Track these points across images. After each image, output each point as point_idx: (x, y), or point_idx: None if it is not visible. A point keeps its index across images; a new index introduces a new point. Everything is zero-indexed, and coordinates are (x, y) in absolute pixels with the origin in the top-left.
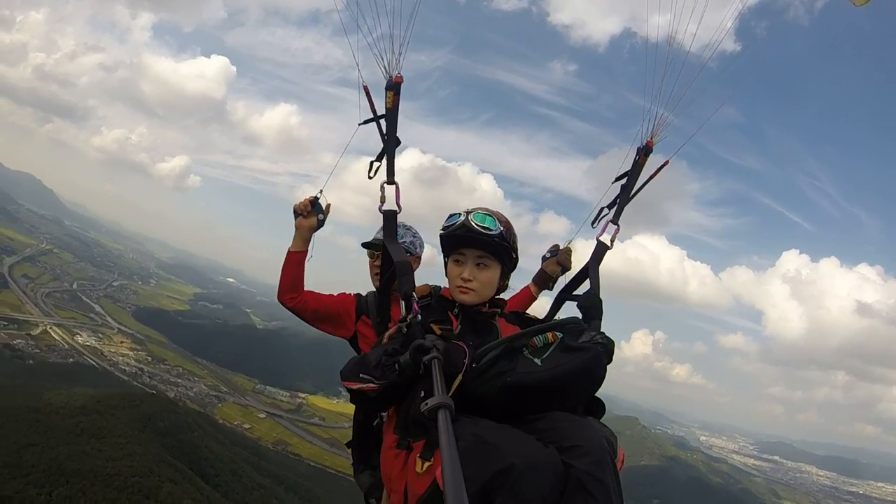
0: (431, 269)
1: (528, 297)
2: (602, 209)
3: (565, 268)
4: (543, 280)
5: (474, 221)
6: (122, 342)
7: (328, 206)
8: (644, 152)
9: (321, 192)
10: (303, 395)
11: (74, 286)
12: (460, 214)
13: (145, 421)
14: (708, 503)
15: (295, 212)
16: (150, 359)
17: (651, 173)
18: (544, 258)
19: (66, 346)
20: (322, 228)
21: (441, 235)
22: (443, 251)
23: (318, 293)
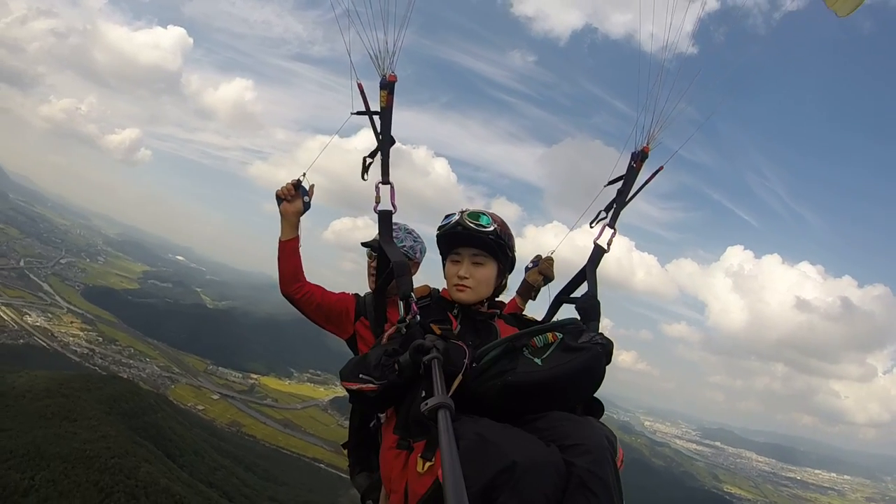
0: (431, 270)
1: (514, 309)
2: (599, 212)
3: (548, 278)
4: (527, 290)
5: (468, 220)
6: (72, 322)
7: (312, 186)
8: (640, 158)
9: (304, 174)
10: (255, 376)
11: (21, 263)
12: (455, 214)
13: (111, 403)
14: (651, 485)
15: (278, 197)
16: (101, 339)
17: (646, 178)
18: (527, 268)
19: (16, 327)
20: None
21: (437, 236)
22: (440, 252)
23: (324, 288)
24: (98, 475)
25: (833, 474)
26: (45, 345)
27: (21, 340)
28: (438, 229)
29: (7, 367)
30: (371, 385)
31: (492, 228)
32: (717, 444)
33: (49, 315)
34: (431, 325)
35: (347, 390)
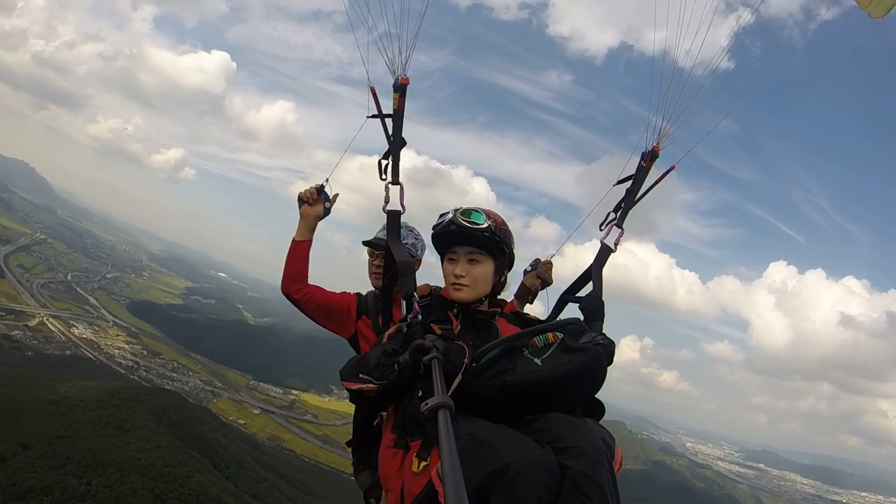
0: (431, 271)
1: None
2: (608, 213)
3: (546, 281)
4: (524, 294)
5: (462, 218)
6: (117, 335)
7: (336, 195)
8: (650, 157)
9: (327, 180)
10: (295, 392)
11: (69, 277)
12: (449, 213)
13: (160, 414)
14: None
15: (300, 199)
16: (145, 353)
17: (656, 179)
18: (525, 272)
19: (63, 338)
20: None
21: (432, 235)
22: (437, 252)
23: (325, 289)
24: (153, 483)
25: (880, 497)
26: (91, 356)
27: (68, 351)
28: (433, 228)
29: (57, 377)
30: (371, 385)
31: (485, 225)
32: (761, 465)
33: (95, 328)
34: (432, 324)
35: (347, 390)
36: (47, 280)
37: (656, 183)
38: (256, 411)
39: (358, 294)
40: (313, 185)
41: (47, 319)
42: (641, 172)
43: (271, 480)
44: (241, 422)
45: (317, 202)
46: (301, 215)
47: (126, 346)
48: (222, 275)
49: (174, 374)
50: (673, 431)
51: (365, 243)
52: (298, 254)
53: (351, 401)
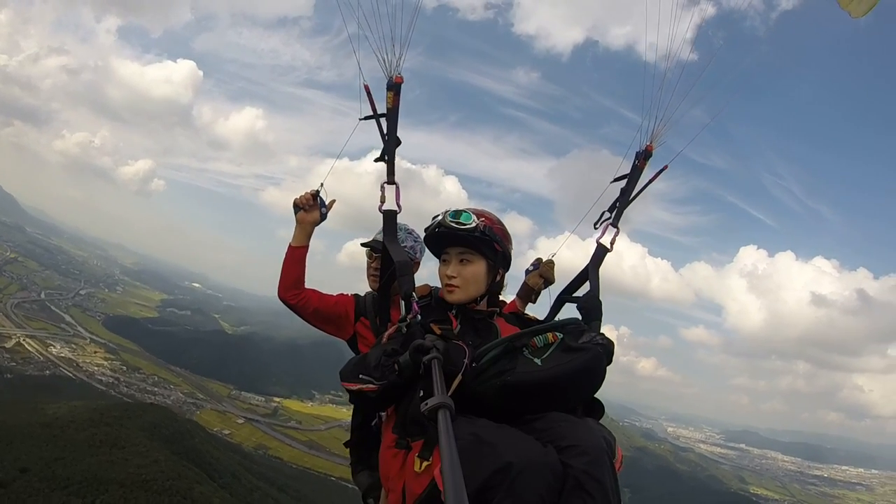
0: (432, 274)
1: (513, 310)
2: (602, 213)
3: (548, 281)
4: (527, 293)
5: (449, 218)
6: (95, 352)
7: (332, 201)
8: (643, 157)
9: (322, 185)
10: (277, 400)
11: (42, 295)
12: (439, 215)
13: (152, 430)
14: (677, 490)
15: (296, 206)
16: (125, 368)
17: (650, 178)
18: (527, 271)
19: (42, 359)
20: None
21: (424, 239)
22: (432, 253)
23: (321, 292)
24: (157, 497)
25: (861, 469)
26: (71, 375)
27: (48, 371)
28: (424, 231)
29: (42, 399)
30: (371, 385)
31: (473, 225)
32: (742, 446)
33: (73, 346)
34: (431, 324)
35: (347, 391)
36: (21, 299)
37: (650, 182)
38: (240, 421)
39: (356, 295)
40: (309, 192)
41: (24, 340)
42: (636, 172)
43: (264, 489)
44: (227, 432)
45: (313, 208)
46: (297, 221)
47: (105, 363)
48: (197, 285)
49: (155, 389)
50: (655, 417)
51: (363, 245)
52: (295, 260)
53: (351, 401)
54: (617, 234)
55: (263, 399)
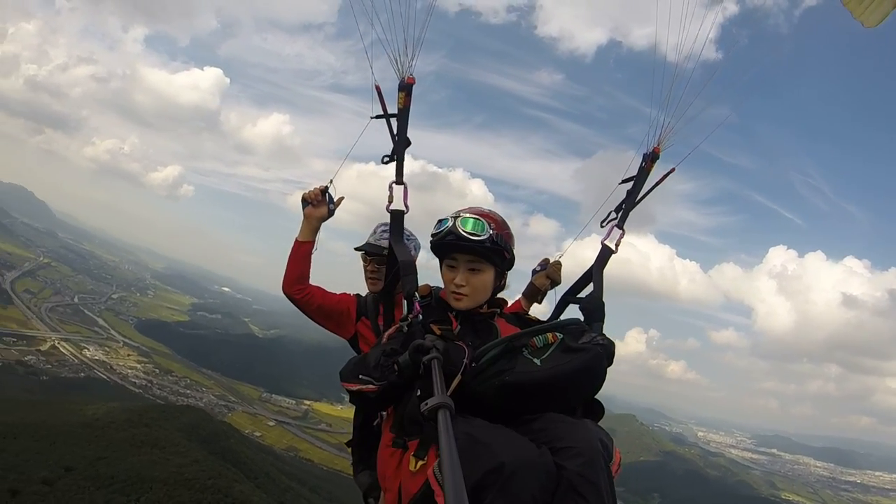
0: (426, 272)
1: (518, 309)
2: (609, 213)
3: (555, 281)
4: (533, 293)
5: (462, 228)
6: (128, 355)
7: (340, 198)
8: (651, 159)
9: (331, 181)
10: (308, 402)
11: (76, 300)
12: (448, 220)
13: (189, 430)
14: (706, 495)
15: (304, 200)
16: (157, 371)
17: (657, 180)
18: (534, 272)
19: (76, 361)
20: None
21: (431, 244)
22: (435, 255)
23: (325, 289)
24: (200, 495)
25: (895, 475)
26: (105, 377)
27: (82, 373)
28: (432, 236)
29: (78, 400)
30: (371, 386)
31: (486, 236)
32: (773, 451)
33: (107, 348)
34: (431, 325)
35: (347, 391)
36: (55, 304)
37: (657, 184)
38: (271, 423)
39: (357, 295)
40: (317, 187)
41: (59, 343)
42: (643, 174)
43: (296, 489)
44: (258, 434)
45: (321, 203)
46: (305, 216)
47: (138, 366)
48: (226, 289)
49: (188, 391)
50: (684, 421)
51: (357, 249)
52: (301, 255)
53: (351, 401)
54: (622, 235)
55: (294, 402)
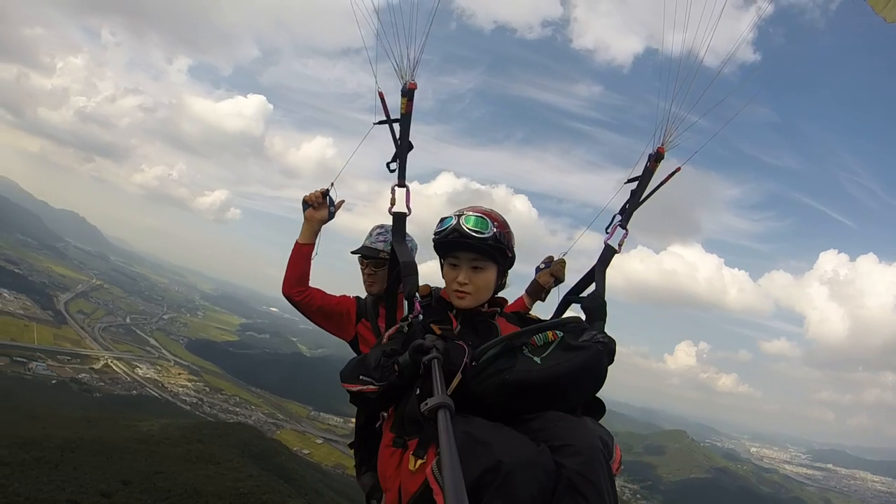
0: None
1: (521, 307)
2: (614, 216)
3: (558, 279)
4: (536, 291)
5: (466, 226)
6: (179, 373)
7: (341, 202)
8: (655, 158)
9: (332, 184)
10: (354, 420)
11: (128, 320)
12: (451, 218)
13: (242, 447)
14: None
15: (305, 202)
16: (207, 389)
17: (662, 179)
18: (538, 269)
19: (129, 379)
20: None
21: (434, 242)
22: (437, 254)
23: (325, 291)
24: None
25: None
26: (157, 395)
27: (134, 391)
28: (434, 235)
29: (132, 417)
30: (371, 386)
31: (490, 234)
32: (829, 466)
33: (158, 367)
34: (432, 324)
35: (348, 392)
36: (107, 324)
37: (662, 184)
38: (319, 441)
39: (357, 297)
40: (319, 189)
41: (111, 361)
42: (647, 174)
43: None
44: (306, 451)
45: (321, 206)
46: (305, 218)
47: (189, 384)
48: (273, 309)
49: (237, 409)
50: (736, 437)
51: (353, 252)
52: (301, 256)
53: (351, 402)
54: (626, 236)
55: (341, 420)
